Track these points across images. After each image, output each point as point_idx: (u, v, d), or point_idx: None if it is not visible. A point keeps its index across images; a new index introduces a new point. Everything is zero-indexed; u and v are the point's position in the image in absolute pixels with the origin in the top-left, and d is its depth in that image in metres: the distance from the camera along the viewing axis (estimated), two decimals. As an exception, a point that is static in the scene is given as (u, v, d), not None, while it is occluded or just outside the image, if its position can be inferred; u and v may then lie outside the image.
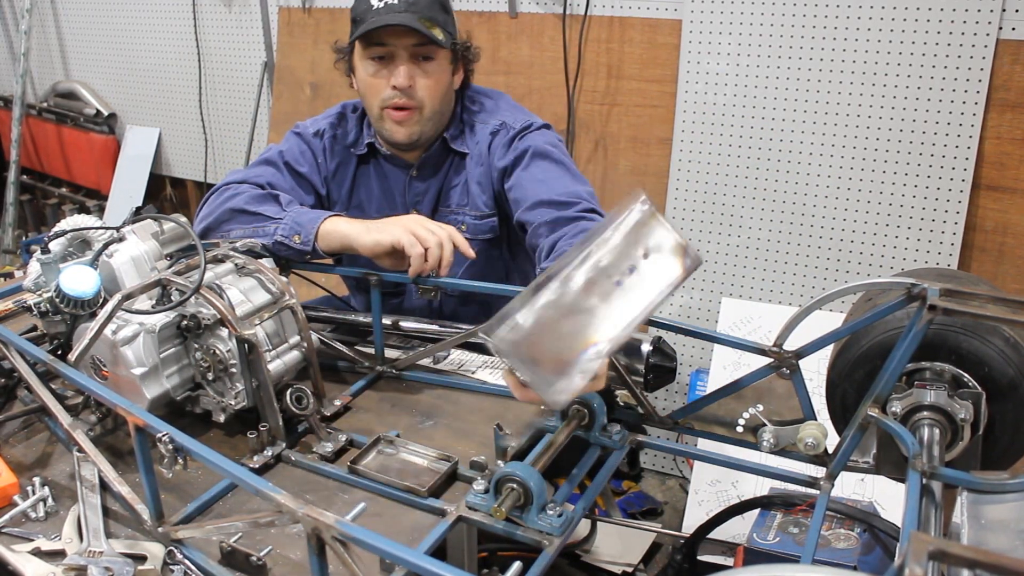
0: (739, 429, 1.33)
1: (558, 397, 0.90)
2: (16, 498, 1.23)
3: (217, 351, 1.34)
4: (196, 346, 1.36)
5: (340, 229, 1.59)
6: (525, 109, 1.92)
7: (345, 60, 1.85)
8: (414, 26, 1.67)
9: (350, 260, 1.96)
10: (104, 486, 1.24)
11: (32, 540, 1.15)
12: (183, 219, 1.50)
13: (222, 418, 1.38)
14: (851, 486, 2.17)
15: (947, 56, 2.23)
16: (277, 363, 1.41)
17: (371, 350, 1.63)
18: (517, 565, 0.96)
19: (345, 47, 1.84)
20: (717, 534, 1.76)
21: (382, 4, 1.70)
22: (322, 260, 1.73)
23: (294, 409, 1.38)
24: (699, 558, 1.85)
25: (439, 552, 1.14)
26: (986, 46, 2.17)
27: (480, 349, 1.73)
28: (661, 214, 1.04)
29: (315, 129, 1.90)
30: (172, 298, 1.36)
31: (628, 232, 0.99)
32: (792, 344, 1.27)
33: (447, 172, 1.87)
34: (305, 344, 1.45)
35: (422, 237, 1.51)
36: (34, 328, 1.55)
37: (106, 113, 4.06)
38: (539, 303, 0.91)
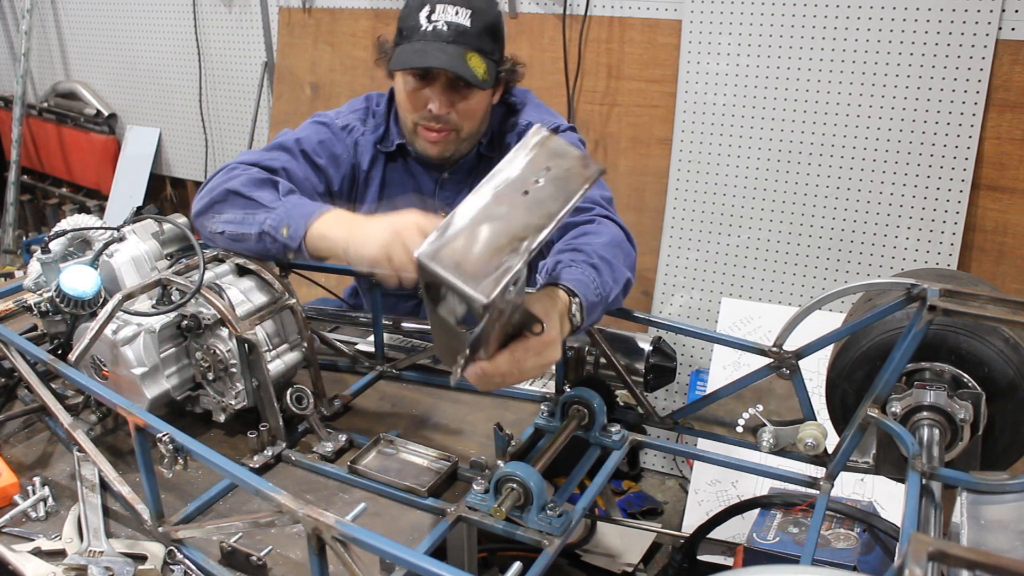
0: (739, 429, 1.33)
1: (483, 292, 0.93)
2: (16, 498, 1.23)
3: (217, 351, 1.34)
4: (196, 346, 1.36)
5: (330, 235, 1.41)
6: (550, 109, 1.91)
7: (386, 63, 1.75)
8: (458, 72, 1.61)
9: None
10: (104, 486, 1.24)
11: (32, 540, 1.15)
12: (183, 219, 1.50)
13: (222, 418, 1.38)
14: (851, 486, 2.17)
15: (947, 56, 2.22)
16: (277, 363, 1.41)
17: (371, 350, 1.64)
18: (517, 565, 0.96)
19: (387, 49, 1.75)
20: (717, 534, 1.75)
21: (431, 28, 1.62)
22: (304, 261, 1.60)
23: (294, 409, 1.38)
24: (699, 558, 1.85)
25: (439, 552, 1.14)
26: (986, 46, 2.17)
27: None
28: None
29: (343, 123, 1.83)
30: (172, 298, 1.36)
31: (528, 154, 1.05)
32: (792, 344, 1.27)
33: (478, 174, 1.85)
34: (305, 344, 1.45)
35: (397, 259, 1.30)
36: (34, 328, 1.55)
37: (106, 113, 4.06)
38: (453, 218, 0.98)
